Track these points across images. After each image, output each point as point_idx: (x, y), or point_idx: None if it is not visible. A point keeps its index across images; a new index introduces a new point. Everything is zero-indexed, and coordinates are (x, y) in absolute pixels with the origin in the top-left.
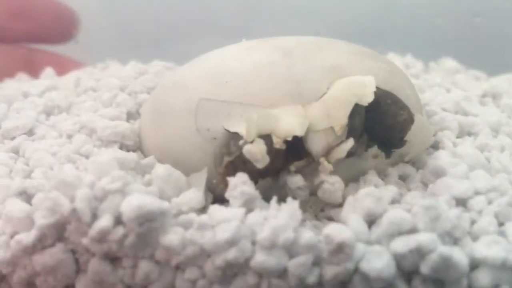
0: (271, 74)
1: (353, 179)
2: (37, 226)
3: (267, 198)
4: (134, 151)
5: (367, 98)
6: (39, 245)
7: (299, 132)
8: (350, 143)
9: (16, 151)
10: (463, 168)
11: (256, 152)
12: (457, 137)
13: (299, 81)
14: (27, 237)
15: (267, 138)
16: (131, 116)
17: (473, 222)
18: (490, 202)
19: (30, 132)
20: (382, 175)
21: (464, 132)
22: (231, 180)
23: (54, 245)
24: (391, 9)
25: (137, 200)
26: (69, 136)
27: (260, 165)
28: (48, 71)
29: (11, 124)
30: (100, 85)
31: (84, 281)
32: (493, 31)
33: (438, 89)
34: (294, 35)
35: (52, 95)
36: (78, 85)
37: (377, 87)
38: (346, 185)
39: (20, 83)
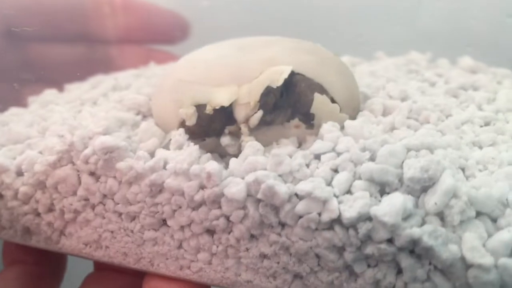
0: (224, 63)
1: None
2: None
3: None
4: None
5: (278, 82)
6: None
7: (226, 104)
8: (259, 113)
9: None
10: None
11: (185, 113)
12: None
13: (241, 68)
14: None
15: (202, 106)
16: None
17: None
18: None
19: None
20: (303, 141)
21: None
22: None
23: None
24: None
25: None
26: None
27: (189, 123)
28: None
29: None
30: None
31: None
32: None
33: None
34: None
35: None
36: None
37: (299, 74)
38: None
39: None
